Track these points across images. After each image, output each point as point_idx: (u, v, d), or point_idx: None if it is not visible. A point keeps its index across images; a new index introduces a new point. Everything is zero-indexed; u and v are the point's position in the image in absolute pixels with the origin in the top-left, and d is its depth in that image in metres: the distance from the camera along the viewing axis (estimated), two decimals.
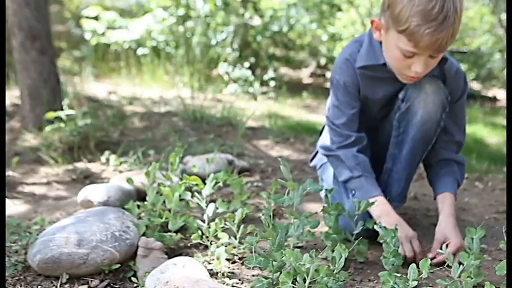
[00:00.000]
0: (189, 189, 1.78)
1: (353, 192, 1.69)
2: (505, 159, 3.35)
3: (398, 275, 1.33)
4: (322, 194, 1.81)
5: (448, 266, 1.34)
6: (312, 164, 2.05)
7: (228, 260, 1.54)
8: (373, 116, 1.77)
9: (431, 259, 1.49)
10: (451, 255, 1.35)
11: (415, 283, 1.29)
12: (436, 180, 1.77)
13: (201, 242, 1.61)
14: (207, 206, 1.69)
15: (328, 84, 7.12)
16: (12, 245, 1.60)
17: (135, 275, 1.46)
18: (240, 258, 1.56)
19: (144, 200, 1.87)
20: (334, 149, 1.73)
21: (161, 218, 1.69)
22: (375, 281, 1.44)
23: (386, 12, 1.51)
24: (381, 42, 1.62)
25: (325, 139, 1.82)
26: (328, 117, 1.76)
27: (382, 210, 1.61)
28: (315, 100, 5.70)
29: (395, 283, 1.31)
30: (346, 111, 1.70)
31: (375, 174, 1.77)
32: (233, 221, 1.61)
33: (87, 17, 6.06)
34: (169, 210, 1.69)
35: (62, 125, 2.76)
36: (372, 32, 1.63)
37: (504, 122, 5.61)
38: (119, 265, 1.48)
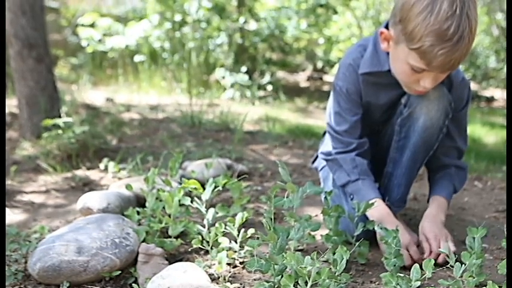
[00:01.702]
0: (188, 194, 1.78)
1: (351, 196, 1.69)
2: (503, 158, 3.36)
3: (401, 275, 1.33)
4: (323, 196, 1.81)
5: (450, 265, 1.34)
6: (313, 166, 2.05)
7: (229, 264, 1.53)
8: (375, 120, 1.76)
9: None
10: (452, 254, 1.35)
11: (418, 283, 1.28)
12: (431, 184, 1.78)
13: (202, 246, 1.61)
14: (207, 211, 1.69)
15: (325, 88, 7.14)
16: (12, 254, 1.60)
17: (136, 282, 1.46)
18: (241, 263, 1.55)
19: (143, 206, 1.86)
20: (333, 154, 1.73)
21: (161, 223, 1.69)
22: (376, 283, 1.44)
23: (397, 26, 1.46)
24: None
25: (326, 145, 1.82)
26: (329, 123, 1.74)
27: (379, 214, 1.61)
28: (312, 104, 5.70)
29: (398, 284, 1.31)
30: (348, 118, 1.69)
31: (376, 176, 1.77)
32: (233, 225, 1.61)
33: (83, 25, 6.07)
34: (169, 216, 1.69)
35: (60, 132, 2.75)
36: (380, 41, 1.59)
37: (502, 121, 5.63)
38: (120, 272, 1.47)
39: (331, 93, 1.75)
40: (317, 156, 2.02)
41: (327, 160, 1.77)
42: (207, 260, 1.57)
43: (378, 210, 1.60)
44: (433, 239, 1.57)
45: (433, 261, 1.30)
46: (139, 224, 1.77)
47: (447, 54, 1.39)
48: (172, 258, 1.60)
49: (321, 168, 1.93)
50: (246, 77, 5.72)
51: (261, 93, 5.84)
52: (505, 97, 7.34)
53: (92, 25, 6.05)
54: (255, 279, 1.45)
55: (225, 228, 1.60)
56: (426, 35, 1.38)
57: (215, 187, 1.75)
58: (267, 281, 1.33)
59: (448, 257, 1.34)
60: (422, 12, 1.38)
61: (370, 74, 1.64)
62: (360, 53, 1.66)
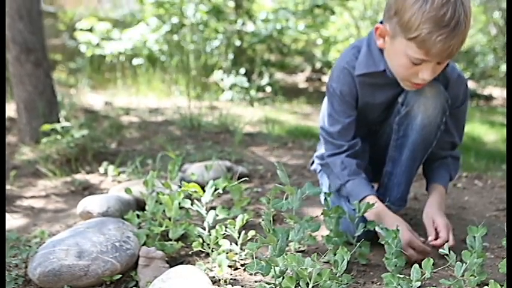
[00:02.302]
0: (188, 197, 1.77)
1: (348, 199, 1.69)
2: (503, 156, 3.36)
3: (402, 276, 1.33)
4: (322, 197, 1.81)
5: (451, 264, 1.33)
6: (312, 168, 2.05)
7: (230, 266, 1.53)
8: (373, 120, 1.76)
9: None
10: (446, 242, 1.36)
11: (419, 283, 1.28)
12: (429, 173, 1.80)
13: (202, 249, 1.60)
14: (207, 213, 1.69)
15: (324, 88, 7.12)
16: (12, 259, 1.59)
17: (136, 285, 1.45)
18: (242, 265, 1.55)
19: (143, 209, 1.86)
20: (325, 157, 1.74)
21: (161, 226, 1.68)
22: (378, 283, 1.44)
23: (393, 19, 1.47)
24: (380, 49, 1.61)
25: (321, 148, 1.82)
26: (322, 126, 1.74)
27: (375, 211, 1.59)
28: (311, 104, 5.70)
29: (399, 284, 1.30)
30: (341, 120, 1.69)
31: (376, 176, 1.77)
32: (234, 228, 1.61)
33: (81, 29, 6.06)
34: (169, 219, 1.69)
35: (59, 137, 2.75)
36: (375, 38, 1.59)
37: (501, 119, 5.63)
38: (120, 276, 1.47)
39: (326, 96, 1.75)
40: (314, 160, 2.02)
41: (321, 164, 1.78)
42: (208, 262, 1.57)
43: (374, 209, 1.59)
44: (444, 226, 1.59)
45: (432, 261, 1.30)
46: (140, 228, 1.77)
47: (445, 40, 1.40)
48: (173, 261, 1.60)
49: (319, 171, 1.93)
50: (245, 78, 5.72)
51: (260, 94, 5.84)
52: (504, 96, 7.35)
53: (90, 29, 6.05)
54: (256, 281, 1.44)
55: (226, 231, 1.59)
56: (423, 22, 1.39)
57: (215, 189, 1.74)
58: (268, 283, 1.33)
59: (448, 254, 1.34)
60: (418, 1, 1.40)
61: (366, 75, 1.64)
62: (353, 55, 1.66)
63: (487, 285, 1.24)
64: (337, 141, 1.70)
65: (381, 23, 1.57)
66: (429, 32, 1.39)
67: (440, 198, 1.72)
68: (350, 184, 1.67)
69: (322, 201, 1.80)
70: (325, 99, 1.75)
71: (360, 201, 1.60)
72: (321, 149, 1.79)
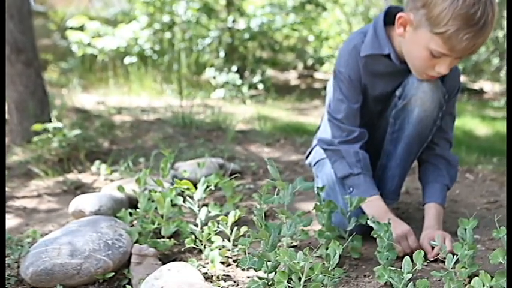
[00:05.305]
0: (180, 194, 1.78)
1: (350, 189, 1.69)
2: (494, 150, 3.39)
3: (393, 268, 1.34)
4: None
5: (442, 257, 1.34)
6: (307, 162, 2.04)
7: (222, 263, 1.53)
8: (369, 111, 1.76)
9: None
10: (444, 246, 1.36)
11: (410, 276, 1.29)
12: (425, 185, 1.77)
13: (195, 246, 1.60)
14: (199, 210, 1.69)
15: (316, 85, 7.14)
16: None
17: (129, 283, 1.45)
18: (234, 261, 1.56)
19: (136, 207, 1.86)
20: (335, 144, 1.71)
21: (154, 224, 1.68)
22: (370, 277, 1.44)
23: (419, 10, 1.46)
24: (386, 33, 1.61)
25: (324, 132, 1.81)
26: (329, 111, 1.73)
27: (378, 212, 1.61)
28: (303, 101, 5.71)
29: (390, 277, 1.31)
30: (349, 105, 1.69)
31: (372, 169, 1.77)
32: (226, 224, 1.61)
33: (71, 28, 6.04)
34: (162, 216, 1.69)
35: (50, 135, 2.74)
36: (382, 23, 1.61)
37: (492, 113, 5.66)
38: (113, 273, 1.47)
39: (330, 81, 1.75)
40: (310, 152, 2.02)
41: (326, 149, 1.76)
42: (201, 259, 1.57)
43: (378, 209, 1.60)
44: (440, 236, 1.56)
45: (423, 253, 1.30)
46: (132, 225, 1.77)
47: (472, 39, 1.40)
48: (165, 258, 1.60)
49: (315, 164, 1.92)
50: (237, 76, 5.72)
51: (252, 92, 5.84)
52: (495, 90, 7.38)
53: (81, 28, 6.02)
54: (248, 277, 1.45)
55: (218, 227, 1.60)
56: (454, 19, 1.38)
57: (207, 186, 1.74)
58: (261, 278, 1.34)
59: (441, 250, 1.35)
60: None
61: (371, 56, 1.64)
62: (361, 38, 1.67)
63: (478, 276, 1.25)
64: (347, 127, 1.69)
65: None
66: (457, 29, 1.39)
67: (436, 222, 1.66)
68: (362, 178, 1.67)
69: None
70: (330, 85, 1.75)
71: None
72: (326, 134, 1.77)
